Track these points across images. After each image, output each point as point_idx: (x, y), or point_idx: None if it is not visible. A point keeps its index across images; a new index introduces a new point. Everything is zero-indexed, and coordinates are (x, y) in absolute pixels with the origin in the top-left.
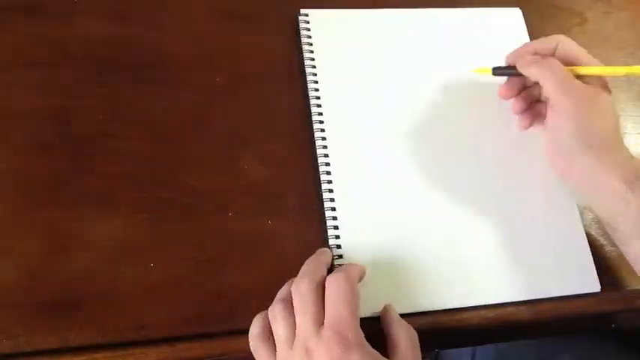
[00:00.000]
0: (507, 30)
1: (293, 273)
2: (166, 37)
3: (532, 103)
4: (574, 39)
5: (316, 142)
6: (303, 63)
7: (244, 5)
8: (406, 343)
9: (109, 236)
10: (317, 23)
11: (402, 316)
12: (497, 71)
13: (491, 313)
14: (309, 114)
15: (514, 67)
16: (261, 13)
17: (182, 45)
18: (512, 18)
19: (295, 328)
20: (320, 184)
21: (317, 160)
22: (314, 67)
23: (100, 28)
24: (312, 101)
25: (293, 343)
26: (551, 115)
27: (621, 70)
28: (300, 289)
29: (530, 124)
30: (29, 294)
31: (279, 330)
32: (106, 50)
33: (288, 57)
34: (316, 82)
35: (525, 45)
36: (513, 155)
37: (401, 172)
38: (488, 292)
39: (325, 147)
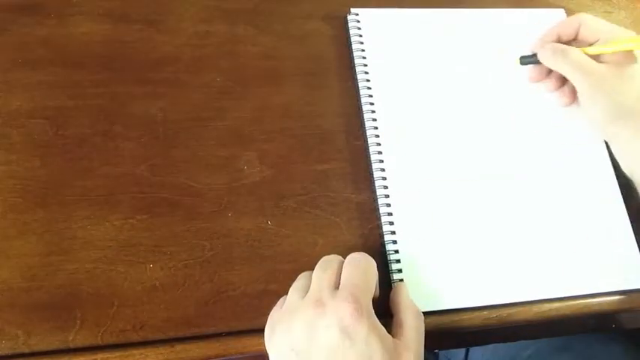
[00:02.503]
0: None
1: (293, 273)
2: (166, 37)
3: (565, 80)
4: None
5: (369, 145)
6: (353, 62)
7: (244, 4)
8: (412, 325)
9: (109, 236)
10: (368, 23)
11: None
12: (524, 60)
13: (492, 314)
14: (360, 113)
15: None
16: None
17: (182, 45)
18: (557, 18)
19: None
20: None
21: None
22: (365, 65)
23: (100, 28)
24: (364, 99)
25: (305, 295)
26: (581, 101)
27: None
28: (326, 257)
29: (572, 100)
30: (28, 294)
31: (296, 282)
32: (106, 50)
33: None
34: (368, 80)
35: (549, 30)
36: (563, 152)
37: (453, 172)
38: (534, 288)
39: (379, 144)
